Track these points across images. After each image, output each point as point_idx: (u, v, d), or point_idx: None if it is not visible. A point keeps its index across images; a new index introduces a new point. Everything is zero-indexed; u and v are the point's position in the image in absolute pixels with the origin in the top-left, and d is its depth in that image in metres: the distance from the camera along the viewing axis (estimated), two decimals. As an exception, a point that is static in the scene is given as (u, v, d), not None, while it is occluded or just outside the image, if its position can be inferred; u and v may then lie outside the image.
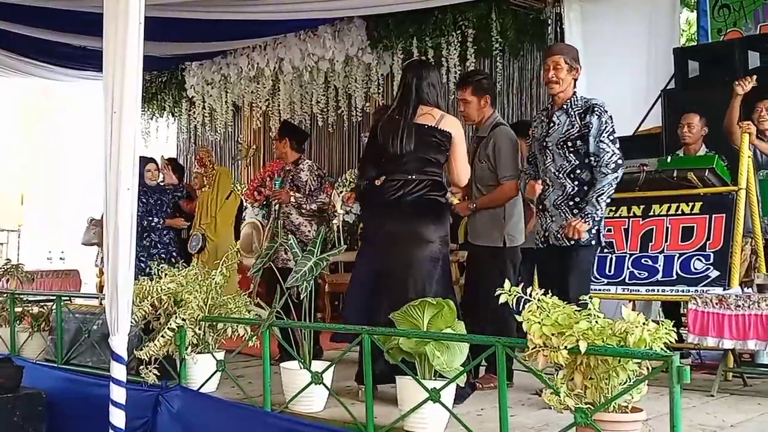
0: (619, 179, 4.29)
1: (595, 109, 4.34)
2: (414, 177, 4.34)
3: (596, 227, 4.32)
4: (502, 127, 4.94)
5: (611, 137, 4.31)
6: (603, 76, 7.37)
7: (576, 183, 4.39)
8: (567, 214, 4.39)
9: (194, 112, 11.45)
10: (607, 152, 4.27)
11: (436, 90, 4.49)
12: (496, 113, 5.05)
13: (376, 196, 4.44)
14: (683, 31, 10.63)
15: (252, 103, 10.81)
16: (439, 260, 4.34)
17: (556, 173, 4.44)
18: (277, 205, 5.97)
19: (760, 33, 7.03)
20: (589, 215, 4.26)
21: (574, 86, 4.48)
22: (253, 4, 8.02)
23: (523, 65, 8.41)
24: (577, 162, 4.38)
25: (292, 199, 5.77)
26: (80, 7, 7.32)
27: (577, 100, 4.43)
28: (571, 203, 4.40)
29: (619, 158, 4.28)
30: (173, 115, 12.15)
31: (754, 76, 5.35)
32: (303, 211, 5.80)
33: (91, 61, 9.52)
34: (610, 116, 4.34)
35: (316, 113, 9.98)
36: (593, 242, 4.36)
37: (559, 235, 4.40)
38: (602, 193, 4.27)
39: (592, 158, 4.33)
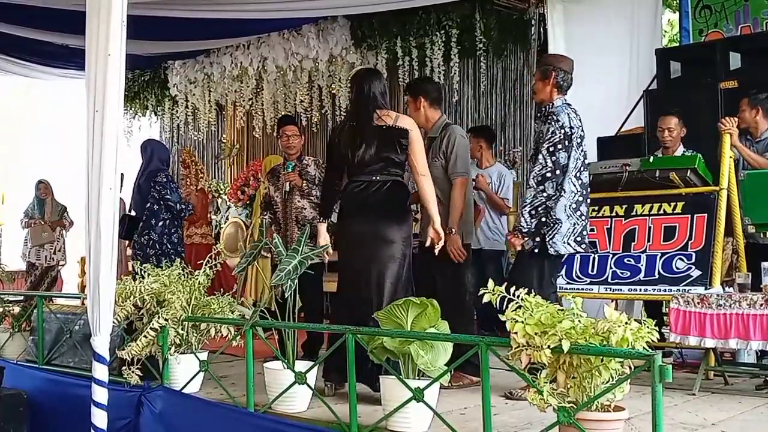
0: (546, 192, 4.33)
1: (549, 117, 4.42)
2: (377, 178, 4.43)
3: (532, 238, 4.38)
4: (454, 126, 5.12)
5: (551, 148, 4.33)
6: (585, 77, 7.35)
7: (530, 189, 4.48)
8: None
9: (177, 111, 11.41)
10: (539, 163, 4.35)
11: (386, 95, 4.63)
12: (444, 116, 5.20)
13: (343, 200, 4.54)
14: (665, 32, 10.71)
15: (235, 102, 10.78)
16: (403, 260, 4.40)
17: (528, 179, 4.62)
18: (283, 204, 5.83)
19: (741, 34, 7.09)
20: (517, 229, 4.40)
21: (558, 93, 4.50)
22: (236, 3, 8.00)
23: (506, 66, 8.43)
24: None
25: (304, 185, 5.70)
26: (63, 5, 7.27)
27: (549, 107, 4.48)
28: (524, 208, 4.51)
29: (547, 172, 4.32)
30: (156, 114, 12.09)
31: (736, 119, 5.39)
32: (312, 198, 5.71)
33: (73, 59, 9.46)
34: (561, 126, 4.35)
35: (300, 112, 9.96)
36: (536, 251, 4.41)
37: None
38: (525, 206, 4.39)
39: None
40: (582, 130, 4.47)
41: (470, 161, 5.21)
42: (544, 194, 4.33)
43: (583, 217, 4.48)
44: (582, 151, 4.46)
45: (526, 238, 4.37)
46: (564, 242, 4.40)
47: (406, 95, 5.29)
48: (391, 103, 9.21)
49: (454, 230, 4.83)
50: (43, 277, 9.95)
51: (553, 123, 4.36)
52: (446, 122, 5.14)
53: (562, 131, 4.34)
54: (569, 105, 4.50)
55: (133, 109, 11.97)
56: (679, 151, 5.78)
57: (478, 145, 6.49)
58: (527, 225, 4.37)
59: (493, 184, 6.65)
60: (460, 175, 4.92)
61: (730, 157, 5.12)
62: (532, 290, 3.52)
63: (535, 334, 2.86)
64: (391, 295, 4.26)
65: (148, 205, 6.50)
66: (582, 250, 4.54)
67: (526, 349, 2.89)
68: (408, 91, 5.28)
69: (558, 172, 4.34)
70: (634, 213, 5.31)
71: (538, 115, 4.60)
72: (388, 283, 4.31)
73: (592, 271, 5.27)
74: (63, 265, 10.33)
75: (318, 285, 5.56)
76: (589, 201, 4.59)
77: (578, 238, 4.45)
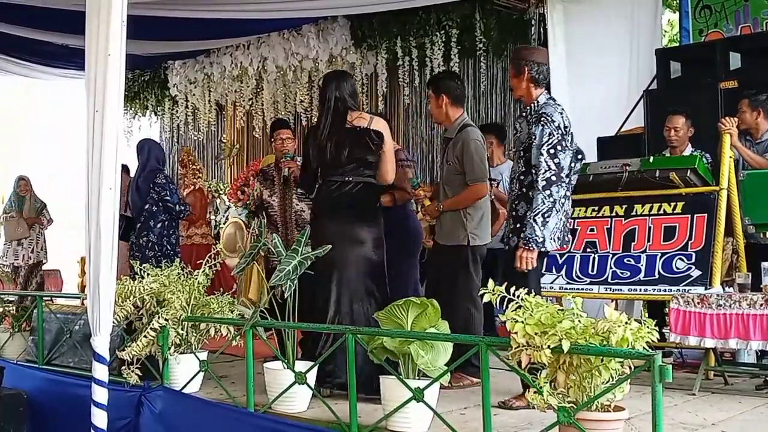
0: (552, 197, 4.07)
1: (541, 119, 4.15)
2: (350, 179, 4.50)
3: (542, 248, 4.12)
4: (470, 128, 4.98)
5: (551, 151, 4.09)
6: (586, 77, 7.41)
7: (519, 187, 4.29)
8: (511, 219, 4.33)
9: (177, 111, 11.41)
10: (541, 168, 4.09)
11: (357, 96, 4.71)
12: (465, 115, 5.10)
13: (317, 201, 4.62)
14: (665, 32, 10.71)
15: (235, 102, 10.78)
16: (372, 260, 4.46)
17: (511, 178, 4.44)
18: (281, 206, 5.85)
19: (741, 34, 7.08)
20: (531, 240, 4.06)
21: (536, 88, 4.29)
22: (236, 3, 8.00)
23: (506, 66, 8.39)
24: (524, 169, 4.27)
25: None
26: (63, 5, 7.27)
27: (536, 107, 4.27)
28: (513, 205, 4.33)
29: (552, 175, 4.07)
30: (156, 114, 12.09)
31: (736, 119, 5.37)
32: (309, 201, 5.74)
33: (73, 59, 9.46)
34: (558, 126, 4.12)
35: (300, 112, 9.97)
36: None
37: (508, 238, 4.35)
38: (537, 212, 4.07)
39: (533, 170, 4.18)
40: (570, 127, 4.28)
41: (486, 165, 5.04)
42: (551, 199, 4.07)
43: (568, 215, 4.32)
44: (572, 150, 4.25)
45: (540, 250, 4.10)
46: (551, 239, 4.14)
47: (428, 88, 5.26)
48: (390, 103, 9.34)
49: (441, 207, 4.90)
50: (29, 277, 9.93)
51: (548, 124, 4.12)
52: (464, 123, 4.98)
53: (559, 132, 4.12)
54: (554, 100, 4.32)
55: (133, 109, 11.97)
56: (687, 150, 5.78)
57: (488, 142, 6.40)
58: (540, 235, 4.07)
59: (504, 182, 6.57)
60: (475, 181, 4.83)
61: (730, 157, 5.12)
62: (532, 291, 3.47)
63: (535, 334, 2.86)
64: (352, 294, 4.36)
65: (147, 206, 6.48)
66: (562, 248, 4.42)
67: (526, 349, 2.89)
68: (430, 86, 5.23)
69: (562, 174, 4.12)
70: (634, 213, 5.31)
71: (523, 114, 4.39)
72: (360, 283, 4.39)
73: (592, 271, 5.27)
74: (45, 263, 10.26)
75: None
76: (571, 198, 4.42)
77: (560, 235, 4.23)
